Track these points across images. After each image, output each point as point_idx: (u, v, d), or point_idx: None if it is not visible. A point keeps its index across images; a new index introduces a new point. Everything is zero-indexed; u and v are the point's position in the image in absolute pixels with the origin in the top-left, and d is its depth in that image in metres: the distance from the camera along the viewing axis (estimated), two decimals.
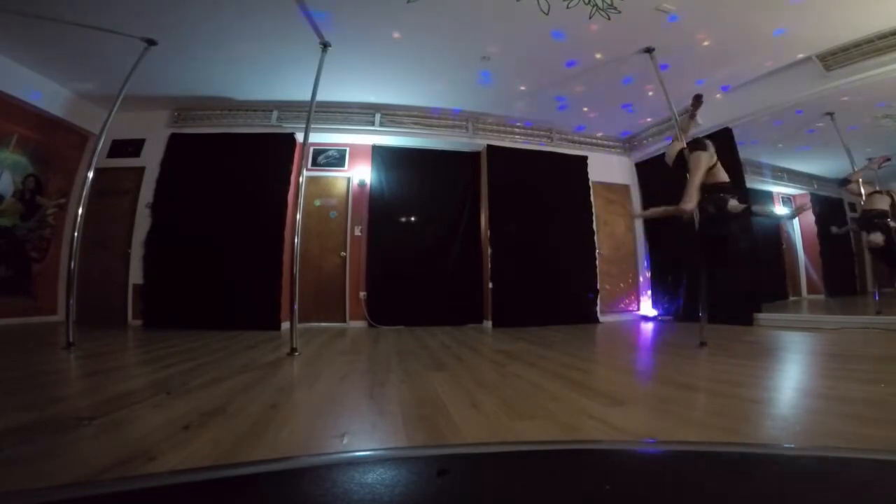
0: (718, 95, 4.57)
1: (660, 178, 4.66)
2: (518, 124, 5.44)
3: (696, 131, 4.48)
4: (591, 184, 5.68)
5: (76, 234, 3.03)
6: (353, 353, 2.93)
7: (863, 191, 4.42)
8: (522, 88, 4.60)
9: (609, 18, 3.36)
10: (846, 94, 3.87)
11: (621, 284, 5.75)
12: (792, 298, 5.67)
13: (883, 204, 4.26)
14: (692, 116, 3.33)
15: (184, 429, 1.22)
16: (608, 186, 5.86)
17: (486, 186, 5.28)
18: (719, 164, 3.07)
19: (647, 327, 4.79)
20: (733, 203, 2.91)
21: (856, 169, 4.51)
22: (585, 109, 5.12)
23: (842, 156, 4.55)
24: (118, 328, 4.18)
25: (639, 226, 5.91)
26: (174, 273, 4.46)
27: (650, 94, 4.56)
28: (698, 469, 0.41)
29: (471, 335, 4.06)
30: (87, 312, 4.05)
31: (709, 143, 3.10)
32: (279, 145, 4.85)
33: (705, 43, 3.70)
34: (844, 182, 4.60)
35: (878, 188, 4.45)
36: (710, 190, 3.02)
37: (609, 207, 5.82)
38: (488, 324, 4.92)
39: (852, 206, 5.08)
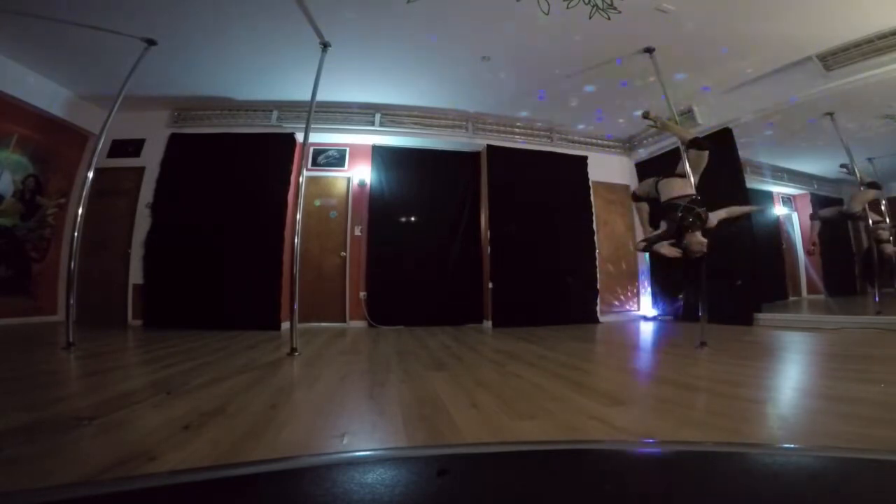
0: (709, 97, 4.58)
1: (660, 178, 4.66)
2: (518, 124, 5.44)
3: (696, 131, 4.50)
4: (591, 184, 5.68)
5: (76, 234, 3.03)
6: (353, 353, 2.93)
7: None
8: (522, 88, 4.60)
9: (609, 18, 3.36)
10: (846, 94, 3.87)
11: (621, 284, 5.75)
12: (792, 298, 5.67)
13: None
14: (655, 126, 3.44)
15: (184, 429, 1.22)
16: (608, 186, 5.86)
17: (486, 186, 5.28)
18: (671, 179, 3.22)
19: (648, 327, 4.79)
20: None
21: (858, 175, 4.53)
22: (585, 110, 5.12)
23: (842, 156, 4.55)
24: (118, 328, 4.18)
25: (638, 225, 5.90)
26: (174, 273, 4.46)
27: (646, 94, 4.55)
28: (698, 469, 0.41)
29: (471, 335, 4.06)
30: (87, 312, 4.05)
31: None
32: (279, 145, 4.85)
33: (704, 44, 3.70)
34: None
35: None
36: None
37: (609, 207, 5.82)
38: (488, 324, 4.92)
39: None
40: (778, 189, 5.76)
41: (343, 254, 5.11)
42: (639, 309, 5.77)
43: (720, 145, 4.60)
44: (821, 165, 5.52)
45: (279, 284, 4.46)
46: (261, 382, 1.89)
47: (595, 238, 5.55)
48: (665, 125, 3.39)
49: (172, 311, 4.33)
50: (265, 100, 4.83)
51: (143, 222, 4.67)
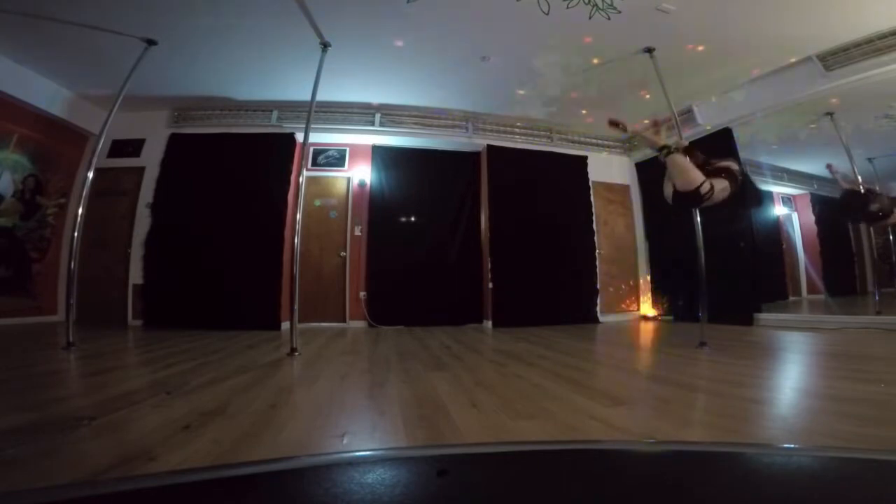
0: (714, 98, 4.59)
1: (660, 177, 4.67)
2: (518, 124, 5.43)
3: (693, 132, 4.49)
4: (591, 184, 5.69)
5: (76, 234, 3.03)
6: (354, 353, 2.93)
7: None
8: (522, 89, 4.60)
9: (609, 18, 3.36)
10: (846, 94, 3.87)
11: (621, 284, 5.75)
12: (792, 298, 5.67)
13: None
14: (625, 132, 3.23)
15: (184, 429, 1.22)
16: (608, 186, 5.86)
17: (486, 186, 5.28)
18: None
19: (648, 327, 4.79)
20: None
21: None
22: (585, 111, 5.12)
23: (842, 156, 4.55)
24: (118, 328, 4.18)
25: (639, 225, 5.92)
26: (174, 273, 4.46)
27: (648, 96, 4.56)
28: (698, 469, 0.41)
29: (471, 335, 4.06)
30: (87, 312, 4.05)
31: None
32: (279, 145, 4.85)
33: (704, 44, 3.70)
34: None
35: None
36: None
37: (609, 207, 5.82)
38: (488, 324, 4.92)
39: None
40: (778, 189, 5.76)
41: (343, 254, 5.11)
42: (639, 309, 5.77)
43: (720, 145, 4.61)
44: (821, 165, 5.52)
45: (279, 284, 4.46)
46: (261, 382, 1.89)
47: (595, 238, 5.55)
48: (635, 133, 3.28)
49: (172, 312, 4.32)
50: (265, 100, 4.83)
51: (143, 222, 4.67)
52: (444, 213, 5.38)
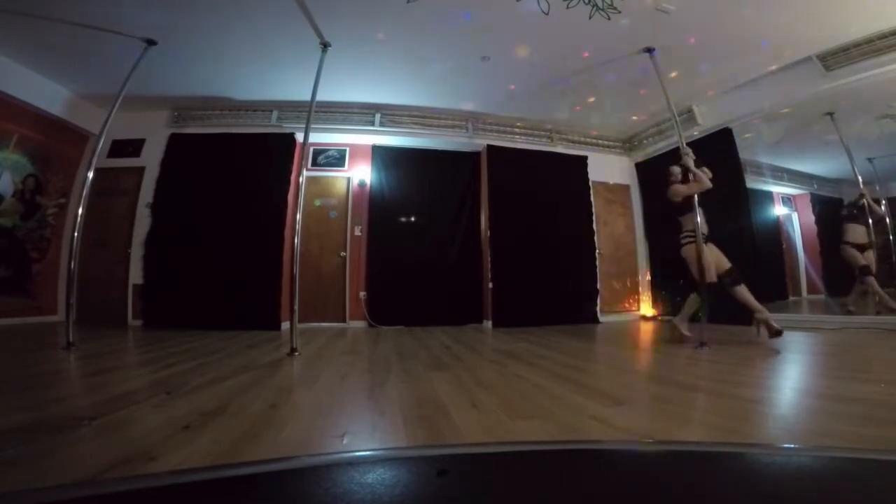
0: (711, 93, 4.59)
1: (660, 178, 4.67)
2: (518, 124, 5.44)
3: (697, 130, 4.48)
4: (591, 184, 5.69)
5: (76, 234, 3.03)
6: (354, 353, 2.93)
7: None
8: (522, 88, 4.60)
9: (609, 18, 3.36)
10: (846, 94, 3.87)
11: (621, 284, 5.75)
12: (792, 298, 5.67)
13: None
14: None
15: (184, 429, 1.22)
16: (608, 186, 5.86)
17: (486, 186, 5.28)
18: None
19: (647, 327, 4.79)
20: None
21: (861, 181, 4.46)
22: (585, 109, 5.12)
23: (842, 156, 4.55)
24: (118, 328, 4.18)
25: (639, 225, 5.92)
26: (174, 273, 4.46)
27: (646, 94, 4.55)
28: (698, 469, 0.41)
29: (471, 335, 4.06)
30: (87, 312, 4.05)
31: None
32: (279, 145, 4.85)
33: (705, 44, 3.70)
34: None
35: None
36: None
37: (609, 207, 5.82)
38: (488, 324, 4.92)
39: None
40: (778, 189, 5.76)
41: (343, 254, 5.11)
42: (639, 309, 5.77)
43: (720, 145, 4.61)
44: (821, 165, 5.53)
45: (279, 284, 4.46)
46: (261, 382, 1.89)
47: (595, 238, 5.55)
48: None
49: (172, 312, 4.33)
50: (265, 100, 4.83)
51: (143, 222, 4.68)
52: (444, 213, 5.38)
